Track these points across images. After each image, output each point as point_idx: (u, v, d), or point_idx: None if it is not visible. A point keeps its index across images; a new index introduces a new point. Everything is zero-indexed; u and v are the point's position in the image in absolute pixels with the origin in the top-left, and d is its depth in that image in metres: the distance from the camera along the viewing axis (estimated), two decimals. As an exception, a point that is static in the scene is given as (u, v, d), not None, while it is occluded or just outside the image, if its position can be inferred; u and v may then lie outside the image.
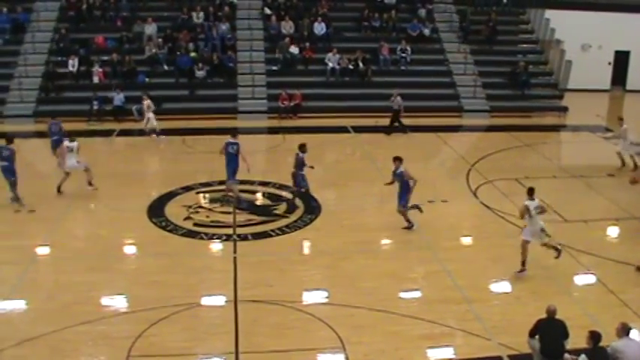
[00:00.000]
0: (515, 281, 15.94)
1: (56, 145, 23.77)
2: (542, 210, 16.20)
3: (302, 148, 20.48)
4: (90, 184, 21.36)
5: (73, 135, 22.22)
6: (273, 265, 16.82)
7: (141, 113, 30.14)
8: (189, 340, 13.60)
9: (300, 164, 20.39)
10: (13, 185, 20.66)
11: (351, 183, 23.22)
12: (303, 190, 20.68)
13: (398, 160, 18.72)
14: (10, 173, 20.57)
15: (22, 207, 20.42)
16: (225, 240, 18.32)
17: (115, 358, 12.98)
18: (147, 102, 28.75)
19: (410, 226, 18.82)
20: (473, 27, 37.57)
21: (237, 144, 20.70)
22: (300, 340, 13.54)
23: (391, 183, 19.12)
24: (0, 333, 13.86)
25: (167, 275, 16.15)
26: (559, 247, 16.46)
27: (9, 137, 21.65)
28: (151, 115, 28.50)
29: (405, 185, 18.57)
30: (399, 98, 29.86)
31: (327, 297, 15.29)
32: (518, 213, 16.53)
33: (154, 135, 28.39)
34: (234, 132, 21.74)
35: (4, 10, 36.13)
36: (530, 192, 16.24)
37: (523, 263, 16.16)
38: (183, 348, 13.29)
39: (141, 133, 28.70)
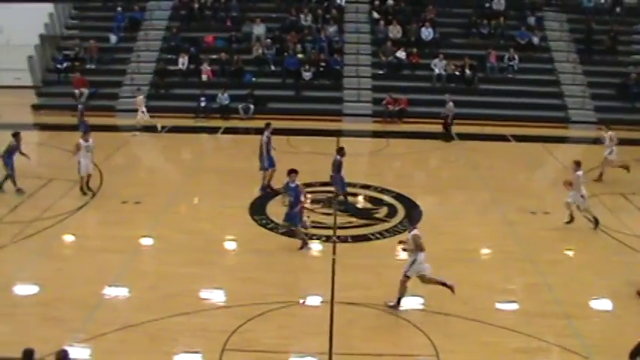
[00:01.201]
0: (617, 299, 15.47)
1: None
2: None
3: (340, 151, 20.60)
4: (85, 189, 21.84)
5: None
6: (370, 268, 16.81)
7: (247, 111, 30.67)
8: (283, 337, 13.74)
9: (337, 167, 20.43)
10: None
11: (453, 190, 22.96)
12: (341, 193, 20.72)
13: (293, 172, 17.97)
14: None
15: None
16: (325, 241, 18.44)
17: (210, 350, 13.22)
18: (140, 97, 30.18)
19: (303, 246, 17.91)
20: (594, 37, 36.46)
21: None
22: (394, 344, 13.49)
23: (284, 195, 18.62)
24: (104, 317, 14.41)
25: (265, 273, 16.35)
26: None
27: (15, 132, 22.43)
28: (144, 109, 30.05)
29: (296, 200, 17.75)
30: (451, 104, 29.42)
31: (423, 303, 15.19)
32: None
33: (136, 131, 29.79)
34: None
35: (120, 8, 37.40)
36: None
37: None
38: (277, 345, 13.42)
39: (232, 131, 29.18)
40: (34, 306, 15.25)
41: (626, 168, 23.82)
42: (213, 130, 30.03)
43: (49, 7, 38.01)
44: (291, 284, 15.84)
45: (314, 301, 15.24)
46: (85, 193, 21.51)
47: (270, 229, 19.09)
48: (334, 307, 14.81)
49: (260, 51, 34.99)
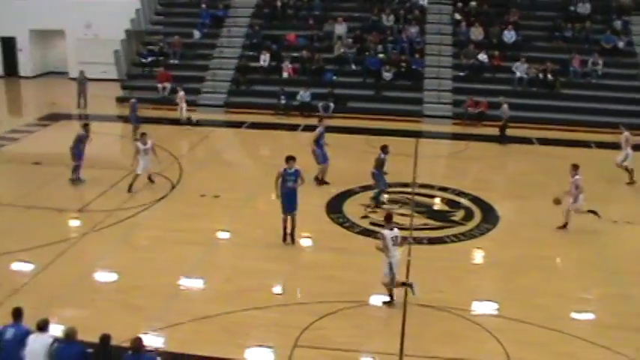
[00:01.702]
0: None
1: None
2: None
3: (384, 149, 20.67)
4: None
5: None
6: (445, 271, 16.74)
7: (327, 110, 30.83)
8: (355, 336, 13.79)
9: (380, 165, 20.48)
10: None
11: (533, 196, 22.57)
12: (381, 190, 20.77)
13: (292, 159, 17.81)
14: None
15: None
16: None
17: (282, 345, 13.36)
18: (181, 94, 30.62)
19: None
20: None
21: None
22: (465, 349, 13.38)
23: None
24: (180, 308, 14.74)
25: (340, 271, 16.41)
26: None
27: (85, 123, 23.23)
28: (184, 105, 30.63)
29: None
30: (505, 106, 28.95)
31: (497, 309, 15.05)
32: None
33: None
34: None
35: (204, 5, 38.02)
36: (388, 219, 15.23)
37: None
38: (349, 344, 13.47)
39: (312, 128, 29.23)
40: (114, 293, 15.70)
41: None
42: (292, 128, 30.23)
43: (136, 3, 38.86)
44: (365, 284, 15.84)
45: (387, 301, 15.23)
46: (130, 191, 21.57)
47: (347, 228, 19.16)
48: (407, 309, 14.79)
49: (341, 50, 35.09)
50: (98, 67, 37.96)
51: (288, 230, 17.98)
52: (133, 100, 28.80)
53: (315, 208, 20.49)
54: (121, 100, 34.62)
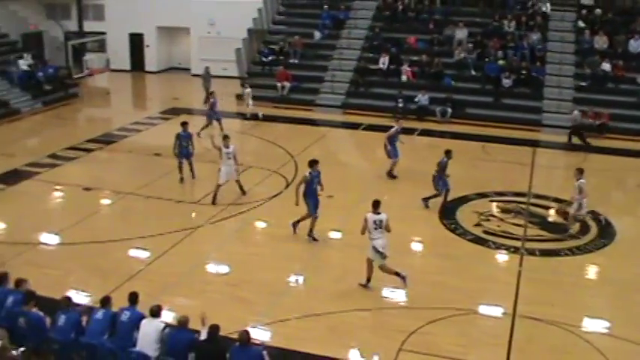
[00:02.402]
0: None
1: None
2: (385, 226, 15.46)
3: (448, 153, 20.74)
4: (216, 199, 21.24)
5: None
6: (557, 285, 16.35)
7: (444, 115, 30.65)
8: (461, 345, 13.67)
9: (442, 168, 20.53)
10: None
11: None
12: (441, 193, 20.68)
13: (316, 163, 18.64)
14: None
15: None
16: (513, 252, 18.06)
17: (387, 348, 13.38)
18: (247, 90, 31.57)
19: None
20: None
21: None
22: (573, 366, 13.09)
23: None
24: (288, 304, 14.99)
25: (449, 277, 16.28)
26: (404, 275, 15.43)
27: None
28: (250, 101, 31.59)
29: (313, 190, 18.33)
30: (576, 112, 28.94)
31: (609, 328, 14.57)
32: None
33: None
34: None
35: (326, 7, 38.37)
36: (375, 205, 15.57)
37: (369, 279, 15.67)
38: (454, 352, 13.37)
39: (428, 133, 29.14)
40: (224, 285, 16.06)
41: None
42: (409, 131, 30.05)
43: (259, 3, 39.53)
44: (473, 292, 15.69)
45: (495, 311, 15.02)
46: (214, 203, 20.87)
47: (458, 235, 18.99)
48: (515, 321, 14.54)
49: (461, 55, 34.74)
50: (220, 65, 38.79)
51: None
52: (212, 100, 29.15)
53: (428, 212, 20.40)
54: (240, 98, 35.28)
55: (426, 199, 20.83)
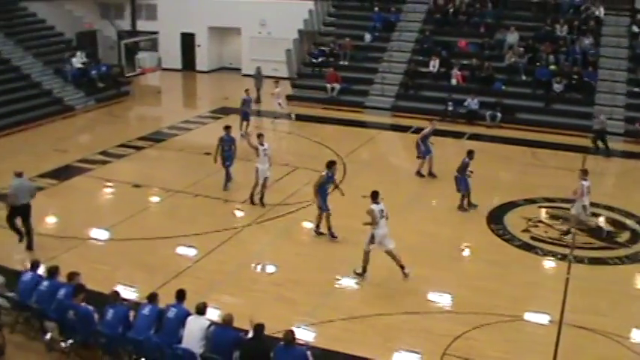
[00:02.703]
0: None
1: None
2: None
3: (470, 154, 20.80)
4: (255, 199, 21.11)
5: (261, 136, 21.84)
6: (605, 294, 16.10)
7: (494, 119, 30.45)
8: (506, 352, 13.58)
9: (463, 168, 20.56)
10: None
11: None
12: (463, 192, 20.76)
13: (333, 164, 19.21)
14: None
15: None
16: (560, 259, 17.84)
17: (431, 352, 13.36)
18: (277, 90, 31.17)
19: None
20: None
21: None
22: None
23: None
24: (333, 305, 15.16)
25: (496, 283, 16.17)
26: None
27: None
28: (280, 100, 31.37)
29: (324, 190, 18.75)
30: (602, 117, 28.70)
31: (660, 338, 14.36)
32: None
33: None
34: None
35: (376, 9, 38.34)
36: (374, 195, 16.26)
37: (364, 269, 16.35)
38: (498, 358, 13.33)
39: (477, 137, 28.97)
40: (270, 285, 16.17)
41: None
42: (458, 135, 29.93)
43: (310, 4, 39.63)
44: (520, 298, 15.57)
45: (542, 319, 14.87)
46: (253, 203, 20.86)
47: (506, 240, 18.83)
48: (562, 329, 14.38)
49: (512, 59, 34.42)
50: (270, 65, 38.99)
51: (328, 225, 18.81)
52: (247, 98, 29.15)
53: (476, 217, 20.27)
54: (290, 99, 35.42)
55: (466, 204, 20.84)
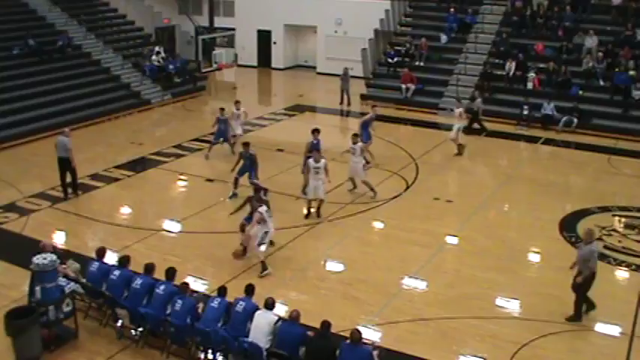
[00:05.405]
0: None
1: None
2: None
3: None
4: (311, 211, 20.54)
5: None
6: (680, 307, 15.73)
7: (569, 124, 29.95)
8: (573, 361, 13.39)
9: None
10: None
11: None
12: None
13: (316, 131, 21.31)
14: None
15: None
16: (634, 270, 17.46)
17: (496, 358, 13.28)
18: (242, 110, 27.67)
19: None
20: None
21: None
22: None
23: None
24: (400, 306, 15.07)
25: (566, 291, 15.84)
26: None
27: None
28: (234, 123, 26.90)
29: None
30: (479, 100, 29.32)
31: None
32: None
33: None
34: None
35: (453, 10, 38.10)
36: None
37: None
38: (565, 369, 13.13)
39: (552, 142, 28.48)
40: (337, 283, 16.22)
41: None
42: (532, 140, 29.53)
43: (386, 4, 39.60)
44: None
45: (612, 330, 14.60)
46: (307, 216, 20.22)
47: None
48: (633, 342, 14.09)
49: (590, 64, 33.77)
50: (345, 64, 39.08)
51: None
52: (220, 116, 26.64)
53: (548, 223, 19.97)
54: (364, 98, 35.46)
55: None
